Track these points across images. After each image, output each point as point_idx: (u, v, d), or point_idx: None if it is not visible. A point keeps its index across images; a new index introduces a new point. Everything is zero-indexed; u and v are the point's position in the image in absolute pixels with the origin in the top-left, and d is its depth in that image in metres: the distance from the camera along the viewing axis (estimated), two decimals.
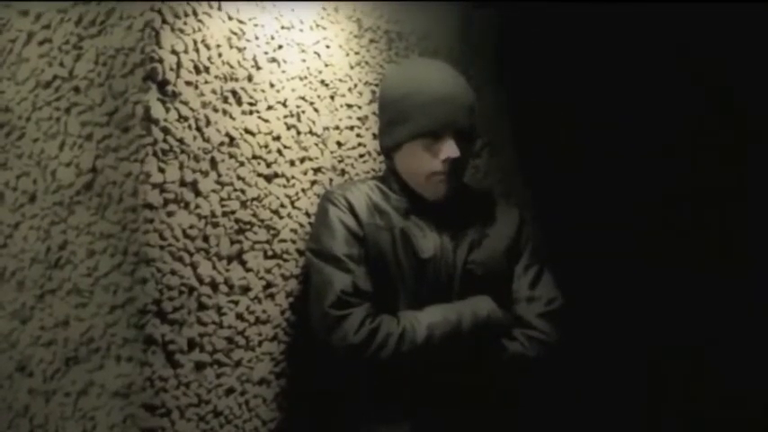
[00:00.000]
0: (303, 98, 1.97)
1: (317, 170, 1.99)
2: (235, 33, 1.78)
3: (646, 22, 3.10)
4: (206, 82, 1.70)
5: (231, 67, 1.76)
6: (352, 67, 2.15)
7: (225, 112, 1.74)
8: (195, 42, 1.68)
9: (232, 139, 1.75)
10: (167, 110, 1.61)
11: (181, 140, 1.63)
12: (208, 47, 1.71)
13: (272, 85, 1.87)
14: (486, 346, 1.80)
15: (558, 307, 1.90)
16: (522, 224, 2.00)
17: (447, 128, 1.82)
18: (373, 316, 1.73)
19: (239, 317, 1.75)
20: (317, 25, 2.04)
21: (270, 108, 1.86)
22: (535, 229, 2.07)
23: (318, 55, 2.03)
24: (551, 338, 1.85)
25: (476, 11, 2.72)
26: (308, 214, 1.93)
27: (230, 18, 1.77)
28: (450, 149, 1.81)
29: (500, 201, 2.06)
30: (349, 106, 2.12)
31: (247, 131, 1.79)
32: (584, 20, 3.09)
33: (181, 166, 1.63)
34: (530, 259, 1.96)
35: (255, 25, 1.84)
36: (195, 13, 1.68)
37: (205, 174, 1.68)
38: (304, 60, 1.98)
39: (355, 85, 2.15)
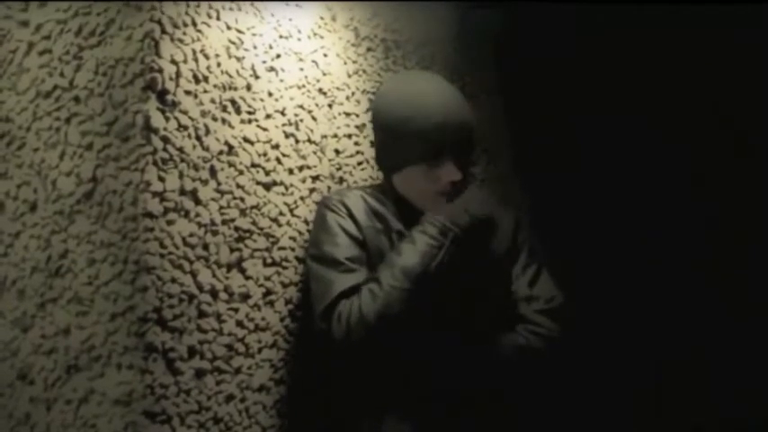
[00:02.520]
0: (301, 107, 1.98)
1: (315, 178, 2.00)
2: (233, 43, 1.79)
3: (643, 26, 3.11)
4: (205, 91, 1.71)
5: (230, 76, 1.78)
6: (349, 76, 2.16)
7: (224, 120, 1.75)
8: (194, 52, 1.69)
9: (231, 147, 1.76)
10: (167, 119, 1.62)
11: (180, 149, 1.64)
12: (207, 56, 1.72)
13: (270, 94, 1.88)
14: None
15: (558, 305, 1.90)
16: (518, 226, 2.00)
17: (447, 152, 1.80)
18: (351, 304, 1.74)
19: (239, 324, 1.75)
20: (315, 34, 2.06)
21: (268, 117, 1.87)
22: (533, 235, 2.07)
23: (316, 64, 2.05)
24: (553, 334, 1.86)
25: (472, 11, 2.73)
26: (306, 222, 1.94)
27: (229, 28, 1.79)
28: (451, 173, 1.80)
29: (497, 205, 2.04)
30: (347, 114, 2.14)
31: (246, 140, 1.80)
32: (580, 27, 3.10)
33: (180, 175, 1.64)
34: (528, 259, 1.96)
35: (254, 35, 1.85)
36: (194, 24, 1.70)
37: (204, 182, 1.69)
38: (302, 69, 2.00)
39: (353, 94, 2.17)
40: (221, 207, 1.73)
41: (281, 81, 1.93)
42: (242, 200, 1.78)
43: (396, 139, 1.84)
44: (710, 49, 3.03)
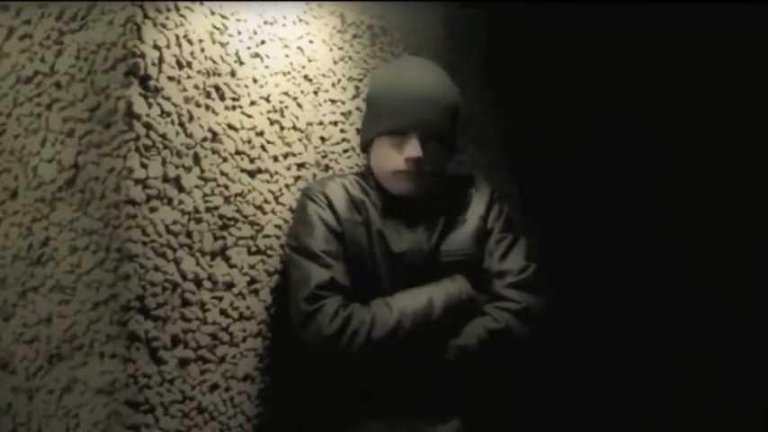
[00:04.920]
0: (286, 93, 1.96)
1: (300, 165, 1.99)
2: (217, 28, 1.77)
3: (631, 18, 3.11)
4: (188, 77, 1.69)
5: (214, 62, 1.76)
6: (335, 63, 2.14)
7: (208, 107, 1.73)
8: (177, 37, 1.67)
9: (215, 134, 1.74)
10: (150, 105, 1.60)
11: (163, 136, 1.62)
12: (190, 42, 1.70)
13: (255, 81, 1.87)
14: (460, 327, 1.79)
15: (528, 276, 1.87)
16: (491, 200, 1.97)
17: (412, 128, 1.81)
18: (345, 306, 1.73)
19: (223, 313, 1.74)
20: (300, 20, 2.04)
21: (253, 103, 1.86)
22: (521, 226, 2.05)
23: (302, 50, 2.03)
24: (522, 305, 1.82)
25: (460, 10, 2.72)
26: (291, 210, 1.93)
27: (212, 13, 1.77)
28: (411, 149, 1.81)
29: (477, 183, 2.01)
30: (332, 101, 2.12)
31: (230, 127, 1.79)
32: (572, 15, 3.09)
33: (163, 162, 1.62)
34: (501, 233, 1.92)
35: (238, 20, 1.83)
36: (177, 8, 1.67)
37: (188, 169, 1.67)
38: (287, 56, 1.98)
39: (339, 81, 2.15)
40: (205, 194, 1.71)
41: (266, 67, 1.91)
42: (226, 187, 1.76)
43: (371, 111, 1.90)
44: (709, 48, 3.01)
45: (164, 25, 1.64)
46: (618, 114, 3.16)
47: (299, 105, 2.00)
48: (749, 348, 2.89)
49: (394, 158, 1.84)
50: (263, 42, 1.90)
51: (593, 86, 3.17)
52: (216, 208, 1.73)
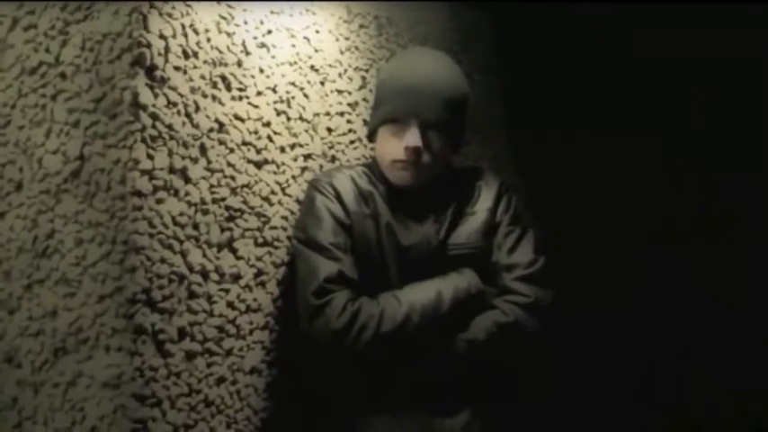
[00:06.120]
0: (293, 84, 1.95)
1: (307, 156, 1.97)
2: (224, 18, 1.76)
3: (637, 10, 3.09)
4: (195, 67, 1.67)
5: (220, 52, 1.74)
6: (342, 53, 2.13)
7: (214, 97, 1.72)
8: (183, 27, 1.65)
9: (221, 125, 1.73)
10: (156, 95, 1.58)
11: (170, 126, 1.61)
12: (196, 31, 1.68)
13: (261, 71, 1.85)
14: (468, 320, 1.79)
15: (537, 269, 1.85)
16: (500, 193, 1.95)
17: (410, 117, 1.80)
18: (354, 300, 1.72)
19: (230, 305, 1.73)
20: (307, 10, 2.02)
21: (259, 94, 1.84)
22: (520, 200, 2.02)
23: (308, 40, 2.01)
24: (531, 299, 1.80)
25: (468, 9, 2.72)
26: (298, 201, 1.92)
27: (219, 2, 1.75)
28: (410, 138, 1.79)
29: (486, 176, 2.00)
30: (339, 92, 2.11)
31: (237, 117, 1.77)
32: (577, 7, 3.07)
33: (170, 153, 1.61)
34: (509, 226, 1.91)
35: (244, 10, 1.82)
36: None
37: (194, 160, 1.66)
38: (294, 45, 1.96)
39: (345, 71, 2.14)
40: (212, 186, 1.70)
41: (273, 57, 1.89)
42: (233, 178, 1.75)
43: (376, 100, 1.90)
44: (709, 48, 2.99)
45: (170, 15, 1.62)
46: (624, 107, 3.15)
47: (306, 96, 1.99)
48: (749, 348, 2.88)
49: (394, 147, 1.83)
50: (269, 32, 1.89)
51: (600, 78, 3.15)
52: (222, 199, 1.72)
